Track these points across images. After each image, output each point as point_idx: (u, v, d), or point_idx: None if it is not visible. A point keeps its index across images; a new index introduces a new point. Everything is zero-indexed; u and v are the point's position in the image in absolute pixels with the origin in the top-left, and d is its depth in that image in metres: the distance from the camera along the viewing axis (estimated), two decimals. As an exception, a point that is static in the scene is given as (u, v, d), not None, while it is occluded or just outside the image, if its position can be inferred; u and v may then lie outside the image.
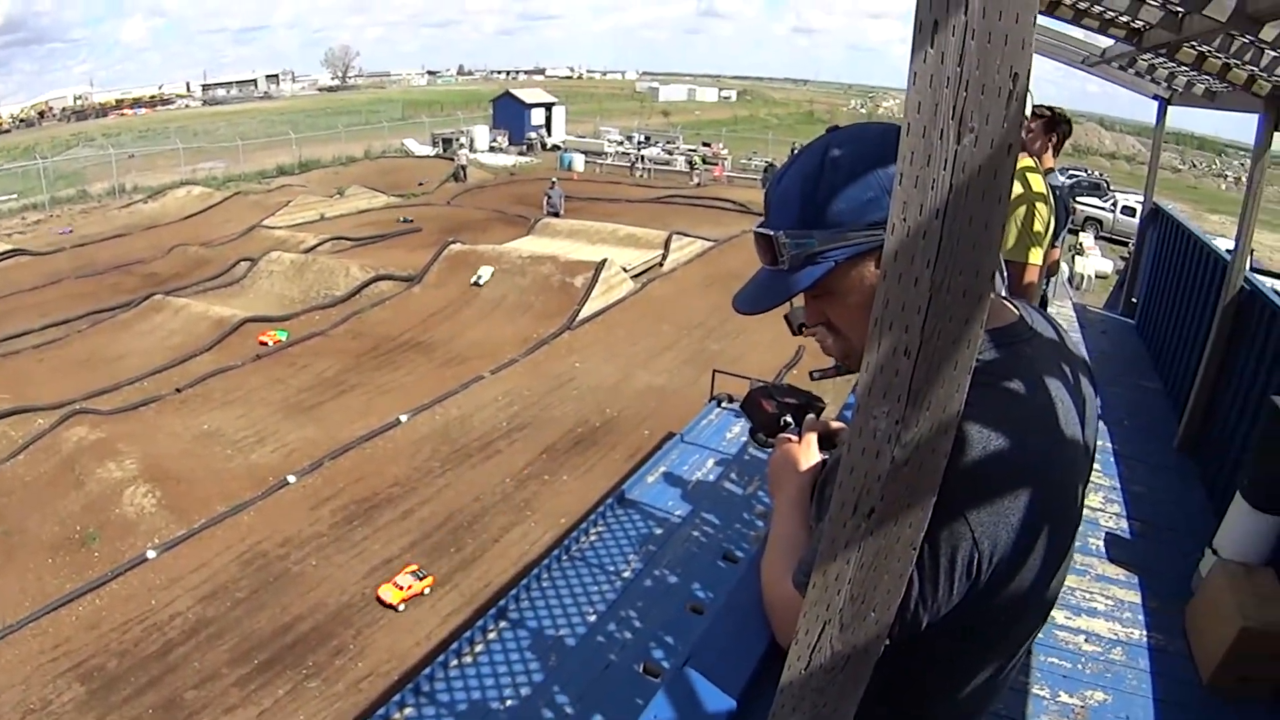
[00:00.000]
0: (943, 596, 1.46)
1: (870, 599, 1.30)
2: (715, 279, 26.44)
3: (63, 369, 20.99)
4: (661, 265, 29.49)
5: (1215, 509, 6.83)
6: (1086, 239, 35.52)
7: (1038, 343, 1.65)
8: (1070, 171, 56.75)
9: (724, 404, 14.87)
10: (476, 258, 27.62)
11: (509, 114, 66.19)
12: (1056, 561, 1.60)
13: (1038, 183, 5.08)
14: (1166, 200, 15.73)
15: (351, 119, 71.53)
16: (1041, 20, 9.25)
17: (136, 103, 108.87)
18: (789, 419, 2.19)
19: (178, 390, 19.41)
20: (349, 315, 24.80)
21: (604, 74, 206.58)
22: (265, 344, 22.53)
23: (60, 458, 16.15)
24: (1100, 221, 42.92)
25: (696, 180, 50.12)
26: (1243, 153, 68.13)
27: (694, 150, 58.83)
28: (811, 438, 2.02)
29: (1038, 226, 4.94)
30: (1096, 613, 5.75)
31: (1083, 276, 28.59)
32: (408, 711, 9.20)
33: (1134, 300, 13.59)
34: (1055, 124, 6.00)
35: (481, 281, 26.75)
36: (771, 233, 1.57)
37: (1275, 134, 7.69)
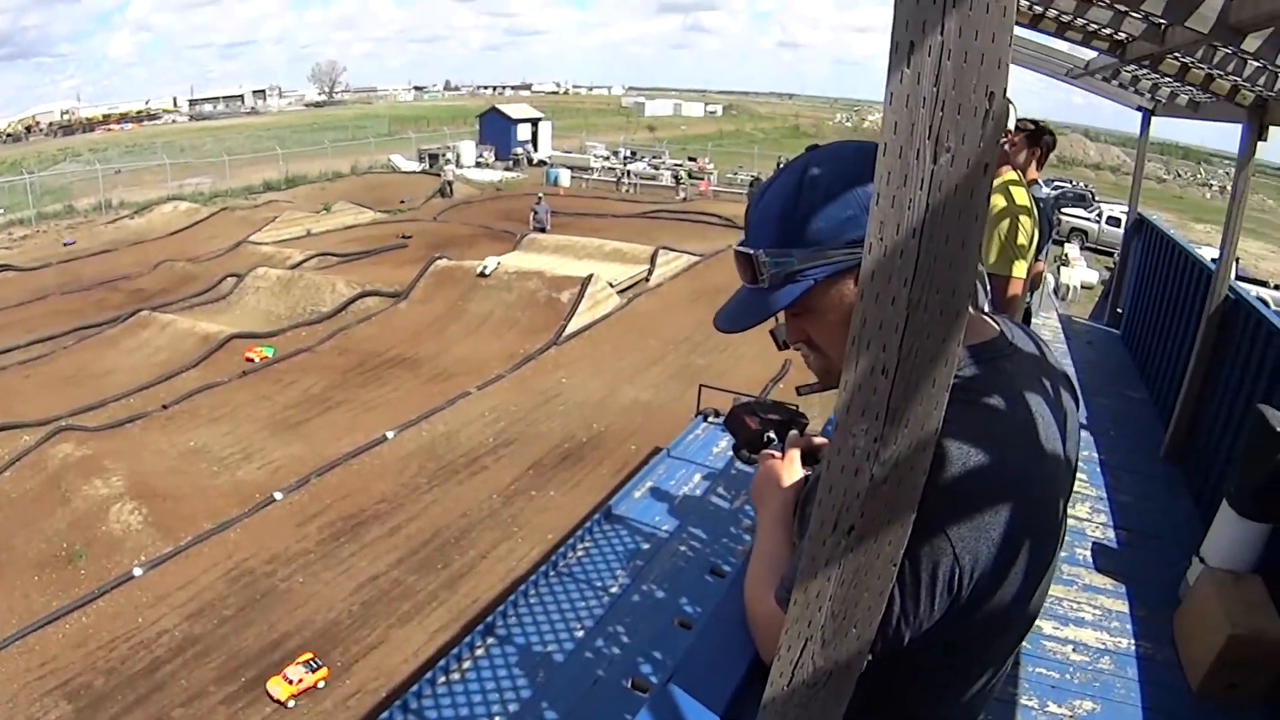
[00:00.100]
0: (924, 612, 1.47)
1: (851, 615, 1.31)
2: (701, 294, 26.43)
3: (49, 385, 20.93)
4: (648, 280, 29.50)
5: (1202, 517, 6.87)
6: (1072, 250, 35.62)
7: (1018, 358, 1.66)
8: (1055, 183, 56.90)
9: (710, 419, 14.89)
10: (463, 273, 27.61)
11: (495, 129, 66.24)
12: (1038, 575, 1.60)
13: (1021, 196, 5.10)
14: (1151, 210, 15.78)
15: (338, 134, 71.45)
16: (1026, 34, 9.33)
17: (123, 118, 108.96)
18: (772, 435, 2.20)
19: (164, 407, 19.36)
20: (335, 331, 24.78)
21: (590, 89, 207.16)
22: (252, 360, 22.48)
23: (46, 474, 16.10)
24: (1085, 232, 43.07)
25: (682, 195, 50.14)
26: (1227, 162, 68.39)
27: (680, 165, 58.96)
28: (794, 454, 2.03)
29: (1021, 240, 4.95)
30: (1084, 622, 5.77)
31: (1068, 287, 28.66)
32: (396, 728, 9.19)
33: (1119, 310, 13.64)
34: (1038, 137, 6.03)
35: (487, 271, 26.88)
36: (751, 251, 1.59)
37: (1259, 143, 7.73)
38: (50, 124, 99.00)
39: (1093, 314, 18.42)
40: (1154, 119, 12.44)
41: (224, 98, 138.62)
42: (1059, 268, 30.02)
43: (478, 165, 60.21)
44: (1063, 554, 6.49)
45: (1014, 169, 5.33)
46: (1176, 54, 7.13)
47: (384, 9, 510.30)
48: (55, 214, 43.03)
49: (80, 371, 22.02)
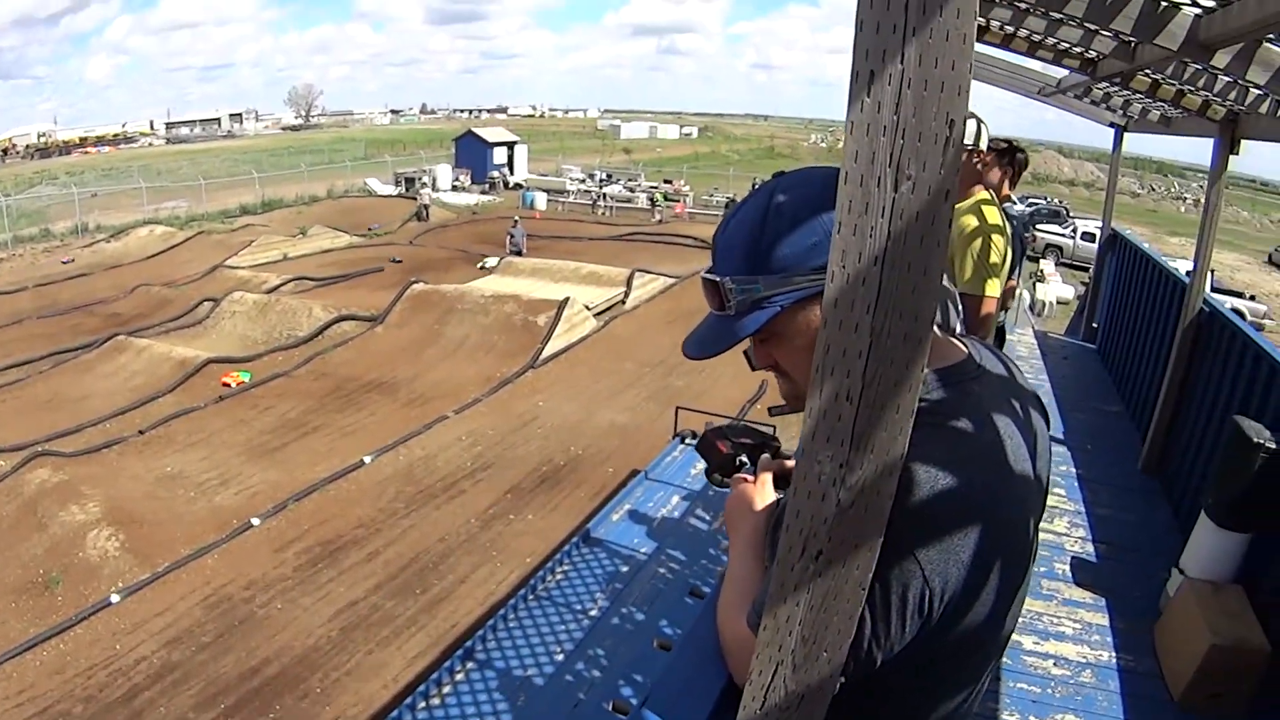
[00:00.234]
0: (895, 634, 1.48)
1: (822, 639, 1.32)
2: (678, 315, 26.44)
3: (25, 410, 20.80)
4: (624, 303, 29.50)
5: (1180, 529, 6.95)
6: (1047, 266, 35.81)
7: (986, 380, 1.68)
8: (1030, 199, 57.24)
9: (687, 440, 14.86)
10: (439, 297, 27.57)
11: (471, 153, 66.10)
12: (1010, 596, 1.62)
13: (994, 215, 5.13)
14: (1126, 225, 15.87)
15: (314, 158, 71.38)
16: (998, 53, 9.42)
17: (100, 141, 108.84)
18: (744, 459, 2.22)
19: (140, 432, 19.23)
20: (312, 356, 24.68)
21: (566, 112, 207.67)
22: (228, 385, 22.33)
23: (22, 500, 15.99)
24: (1061, 248, 43.37)
25: (658, 217, 50.18)
26: (1201, 175, 69.04)
27: (656, 187, 59.13)
28: (766, 477, 2.05)
29: (994, 258, 4.97)
30: (1065, 636, 5.81)
31: (1044, 303, 28.77)
32: (376, 754, 9.17)
33: (1095, 325, 13.75)
34: (1010, 156, 6.06)
35: (489, 265, 26.92)
36: (718, 279, 1.61)
37: (1231, 156, 7.80)
38: (27, 146, 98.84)
39: (1068, 329, 18.56)
40: (1126, 135, 12.56)
41: (201, 121, 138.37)
42: (1034, 284, 30.13)
43: (454, 189, 60.16)
44: (1041, 569, 6.56)
45: (986, 188, 5.35)
46: (1147, 71, 7.21)
47: (361, 33, 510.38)
48: (31, 237, 42.77)
49: (56, 396, 21.89)
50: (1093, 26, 6.09)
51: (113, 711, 11.42)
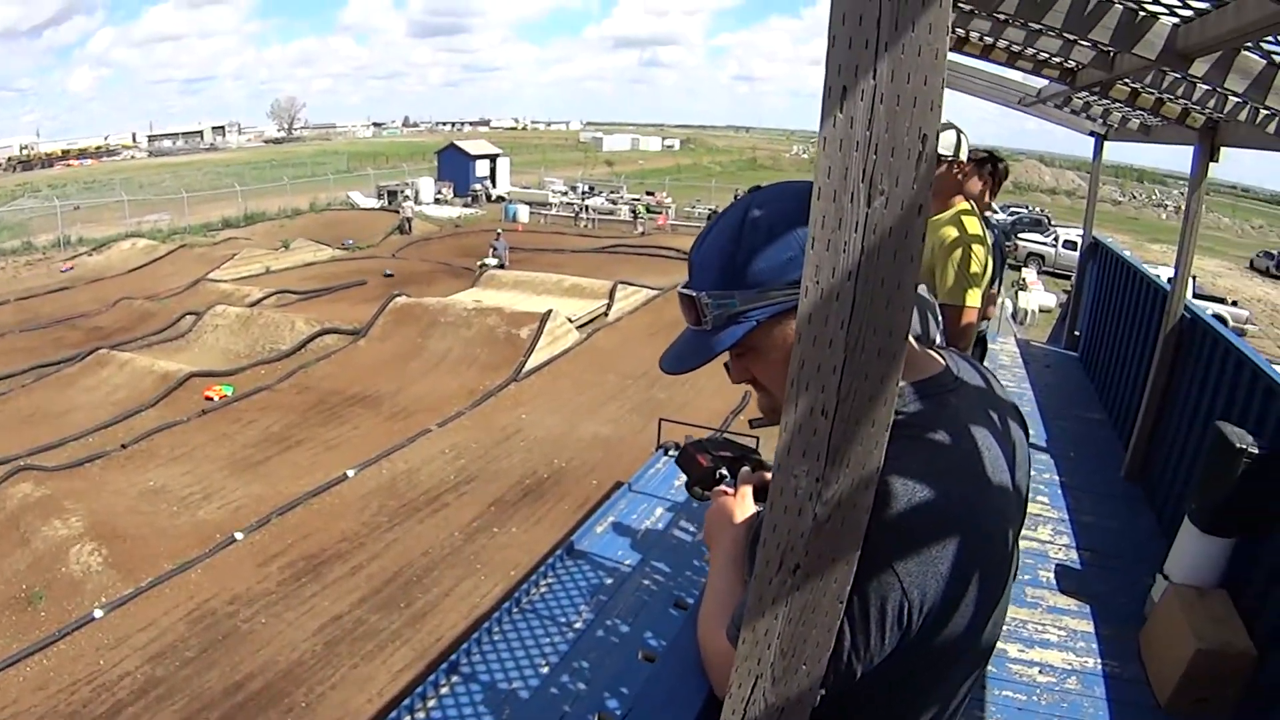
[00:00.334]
0: (875, 647, 1.48)
1: (800, 652, 1.33)
2: (660, 327, 26.40)
3: (6, 424, 20.71)
4: (607, 315, 29.49)
5: (1164, 534, 6.95)
6: (1029, 274, 35.90)
7: (963, 391, 1.69)
8: (1011, 208, 57.48)
9: (670, 452, 14.86)
10: (422, 310, 27.56)
11: (454, 165, 66.12)
12: (990, 607, 1.62)
13: (973, 225, 5.13)
14: (1107, 233, 15.93)
15: (297, 171, 71.29)
16: (977, 64, 9.44)
17: (82, 154, 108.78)
18: (724, 472, 2.22)
19: (123, 446, 19.16)
20: (295, 370, 24.59)
21: (548, 124, 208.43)
22: (211, 399, 22.25)
23: (4, 515, 15.89)
24: (1042, 256, 43.60)
25: (641, 229, 50.20)
26: (1181, 182, 69.45)
27: (638, 199, 59.11)
28: (746, 490, 2.04)
29: (974, 268, 4.97)
30: (1050, 644, 5.82)
31: (1026, 311, 28.81)
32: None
33: (1077, 333, 13.78)
34: (991, 166, 6.06)
35: (489, 265, 26.96)
36: (694, 293, 1.62)
37: (1211, 164, 7.85)
38: (9, 159, 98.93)
39: (1050, 337, 18.57)
40: (1107, 143, 12.60)
41: (183, 134, 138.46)
42: (1016, 292, 30.19)
43: (436, 202, 60.09)
44: (1025, 576, 6.58)
45: (967, 198, 5.36)
46: (1126, 80, 7.24)
47: (343, 46, 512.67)
48: (14, 250, 42.68)
49: (38, 410, 21.81)
50: (1071, 37, 6.10)
51: (96, 727, 11.40)
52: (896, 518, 1.43)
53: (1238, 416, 6.21)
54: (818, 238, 1.10)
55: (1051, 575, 6.73)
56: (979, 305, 5.04)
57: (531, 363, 24.59)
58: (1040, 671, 5.52)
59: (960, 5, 5.98)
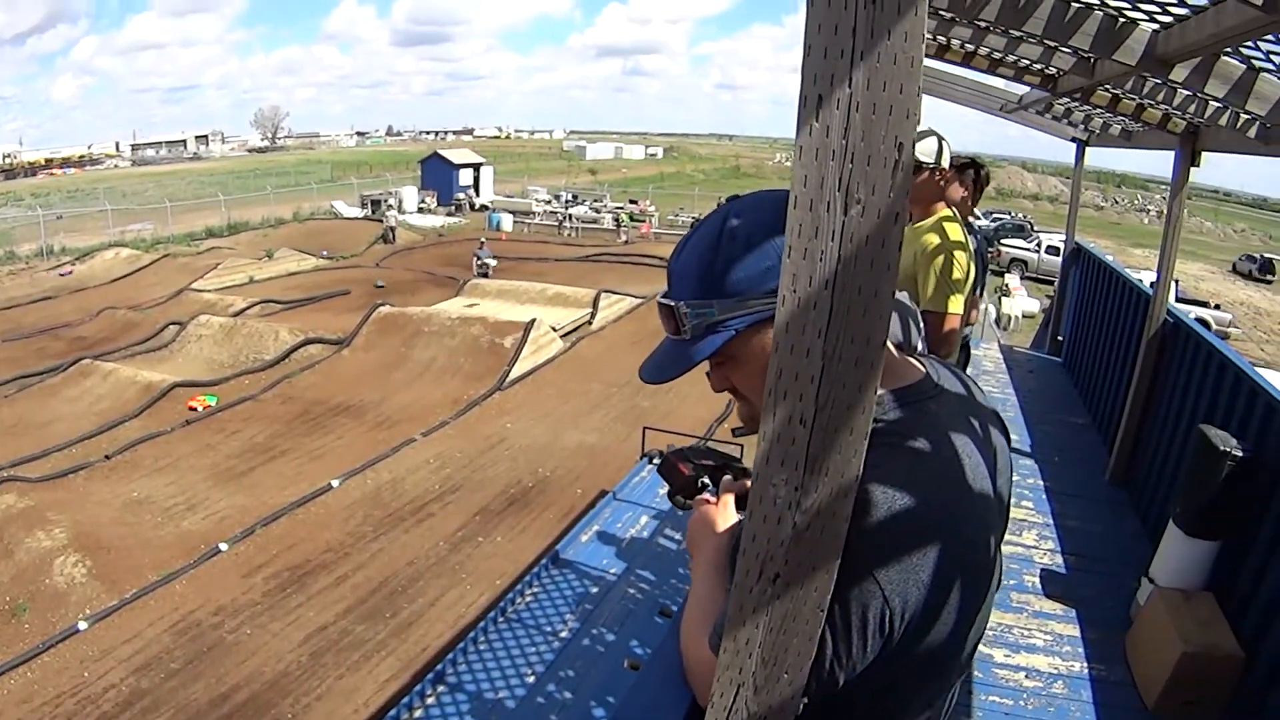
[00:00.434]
0: (857, 654, 1.48)
1: (782, 661, 1.32)
2: (644, 336, 26.48)
3: (-11, 436, 20.65)
4: (590, 323, 29.57)
5: (1149, 538, 6.98)
6: (1012, 280, 36.09)
7: (944, 399, 1.69)
8: (994, 215, 57.60)
9: (655, 460, 14.85)
10: (406, 320, 27.54)
11: (437, 174, 66.19)
12: (972, 613, 1.62)
13: (955, 231, 5.12)
14: (1090, 238, 16.00)
15: (280, 180, 71.22)
16: (959, 71, 9.47)
17: (66, 162, 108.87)
18: (706, 480, 2.22)
19: (107, 457, 19.09)
20: (279, 380, 24.54)
21: (532, 133, 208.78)
22: (195, 409, 22.17)
23: (-12, 527, 15.87)
24: (1025, 262, 43.70)
25: (624, 238, 50.24)
26: (1164, 187, 69.82)
27: (621, 208, 59.26)
28: (728, 498, 2.05)
29: (956, 275, 4.96)
30: (1036, 648, 5.82)
31: (1010, 317, 28.93)
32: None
33: (1060, 338, 13.83)
34: (975, 172, 6.07)
35: (491, 266, 26.98)
36: (673, 303, 1.62)
37: (1192, 168, 7.88)
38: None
39: (1034, 343, 18.65)
40: (1089, 149, 12.64)
41: (167, 143, 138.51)
42: (1000, 298, 30.28)
43: (420, 211, 60.20)
44: (1011, 581, 6.59)
45: (949, 205, 5.36)
46: (1107, 86, 7.27)
47: (327, 54, 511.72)
48: (-3, 258, 42.56)
49: (21, 421, 21.73)
50: (1052, 43, 6.13)
51: (82, 740, 11.37)
52: (877, 526, 1.43)
53: (1221, 420, 6.23)
54: (794, 246, 1.10)
55: (1037, 580, 6.74)
56: (961, 312, 5.04)
57: (516, 372, 24.60)
58: (1026, 676, 5.53)
59: (941, 13, 6.00)
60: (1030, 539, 7.41)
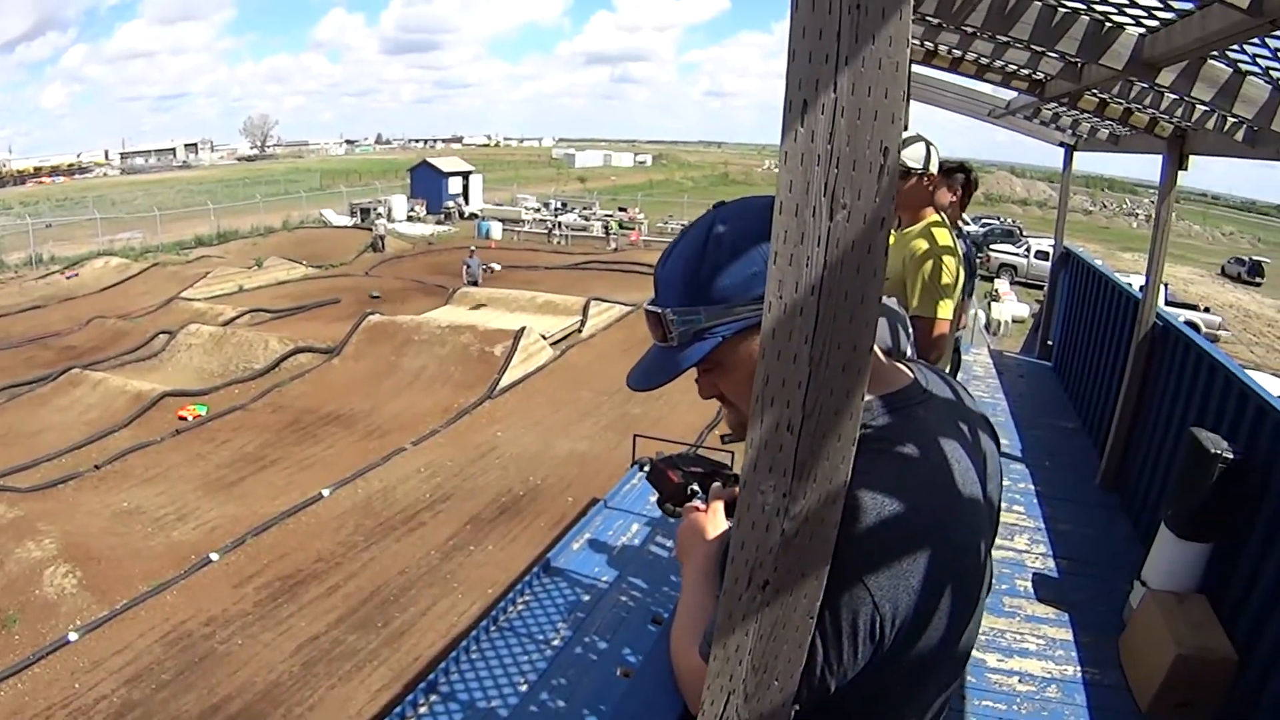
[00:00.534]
0: (848, 661, 1.47)
1: (772, 668, 1.32)
2: (634, 343, 26.31)
3: (-22, 446, 20.59)
4: (580, 331, 29.53)
5: (1141, 541, 6.99)
6: (1002, 285, 36.18)
7: (932, 404, 1.68)
8: (983, 219, 57.79)
9: (644, 468, 14.84)
10: (396, 329, 27.51)
11: (426, 183, 66.10)
12: (963, 619, 1.62)
13: (944, 237, 5.12)
14: (1079, 242, 16.06)
15: (270, 189, 71.38)
16: (947, 76, 9.49)
17: (55, 171, 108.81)
18: (695, 487, 2.21)
19: (96, 467, 19.03)
20: (269, 389, 24.51)
21: (521, 141, 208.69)
22: (184, 419, 22.14)
23: (-23, 538, 15.82)
24: (1015, 267, 43.79)
25: (614, 245, 50.44)
26: (1152, 191, 70.10)
27: (610, 215, 59.35)
28: (717, 505, 2.05)
29: (945, 279, 4.96)
30: (1029, 653, 5.82)
31: (999, 322, 29.00)
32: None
33: (1050, 343, 13.86)
34: (964, 177, 6.08)
35: (494, 268, 27.06)
36: (660, 310, 1.62)
37: (1180, 172, 7.90)
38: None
39: (1024, 347, 18.69)
40: (1077, 153, 12.69)
41: (156, 151, 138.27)
42: (990, 303, 30.35)
43: (409, 219, 60.08)
44: (1003, 585, 6.59)
45: (937, 210, 5.36)
46: (1094, 90, 7.29)
47: (316, 63, 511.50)
48: (-13, 268, 42.47)
49: (11, 431, 21.66)
50: (1039, 48, 6.13)
51: (72, 752, 11.34)
52: (866, 532, 1.42)
53: (1211, 422, 6.25)
54: (780, 252, 1.10)
55: (1029, 584, 6.74)
56: (950, 317, 5.04)
57: (506, 380, 24.60)
58: (1020, 680, 5.53)
59: (928, 19, 6.00)
60: (1022, 543, 7.42)
